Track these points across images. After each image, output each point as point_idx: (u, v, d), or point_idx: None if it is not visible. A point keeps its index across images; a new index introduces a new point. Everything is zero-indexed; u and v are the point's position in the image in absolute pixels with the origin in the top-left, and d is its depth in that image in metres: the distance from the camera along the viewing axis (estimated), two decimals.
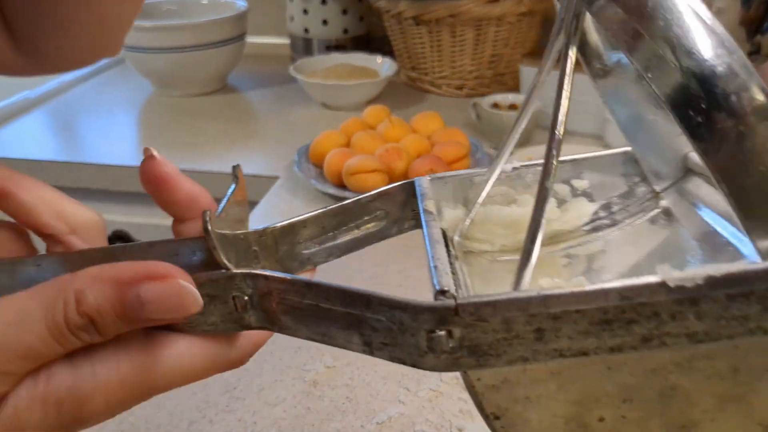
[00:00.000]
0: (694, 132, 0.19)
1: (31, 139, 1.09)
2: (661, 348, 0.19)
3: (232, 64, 1.26)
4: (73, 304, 0.21)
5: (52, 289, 0.21)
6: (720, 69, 0.18)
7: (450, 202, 0.30)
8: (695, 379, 0.21)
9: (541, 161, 0.28)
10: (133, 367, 0.22)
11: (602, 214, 0.30)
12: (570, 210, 0.30)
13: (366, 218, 0.29)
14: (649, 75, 0.19)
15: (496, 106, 0.99)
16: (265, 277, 0.22)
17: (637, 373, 0.21)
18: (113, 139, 1.08)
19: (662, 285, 0.19)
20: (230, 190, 0.26)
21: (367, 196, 0.28)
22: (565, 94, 0.22)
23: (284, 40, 1.42)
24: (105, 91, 1.29)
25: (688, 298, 0.19)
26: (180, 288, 0.21)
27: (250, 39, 1.27)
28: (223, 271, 0.23)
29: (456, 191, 0.30)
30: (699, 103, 0.19)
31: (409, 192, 0.28)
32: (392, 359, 0.21)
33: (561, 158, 0.27)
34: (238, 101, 1.23)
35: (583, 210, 0.29)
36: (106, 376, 0.22)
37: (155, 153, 0.25)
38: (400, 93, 1.21)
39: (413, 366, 0.20)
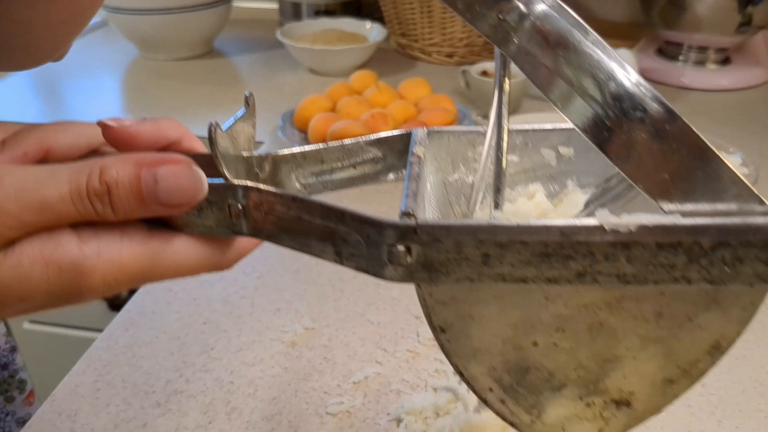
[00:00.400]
0: (604, 148, 0.23)
1: (14, 101, 1.08)
2: (593, 285, 0.22)
3: (219, 28, 1.23)
4: (97, 173, 0.23)
5: (83, 162, 0.24)
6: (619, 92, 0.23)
7: (444, 157, 0.32)
8: (622, 318, 0.23)
9: (533, 126, 0.30)
10: (135, 255, 0.24)
11: (594, 201, 0.31)
12: (563, 201, 0.31)
13: (364, 158, 0.31)
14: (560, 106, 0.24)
15: (485, 74, 0.98)
16: (259, 190, 0.25)
17: (571, 306, 0.23)
18: (97, 102, 1.06)
19: (599, 228, 0.21)
20: (239, 113, 0.28)
21: (366, 139, 0.30)
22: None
23: (273, 5, 1.40)
24: (88, 54, 1.27)
25: (621, 242, 0.21)
26: (192, 171, 0.24)
27: (239, 3, 1.25)
28: (223, 180, 0.25)
29: (451, 146, 0.31)
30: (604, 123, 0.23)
31: (407, 142, 0.30)
32: (358, 269, 0.24)
33: (550, 125, 0.31)
34: (224, 66, 1.22)
35: (576, 200, 0.30)
36: (108, 257, 0.24)
37: (107, 121, 0.26)
38: (390, 60, 1.19)
39: (375, 275, 0.23)
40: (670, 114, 0.22)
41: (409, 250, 0.22)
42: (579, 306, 0.23)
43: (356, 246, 0.23)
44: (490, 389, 0.26)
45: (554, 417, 0.26)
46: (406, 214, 0.23)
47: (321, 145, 0.30)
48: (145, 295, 0.59)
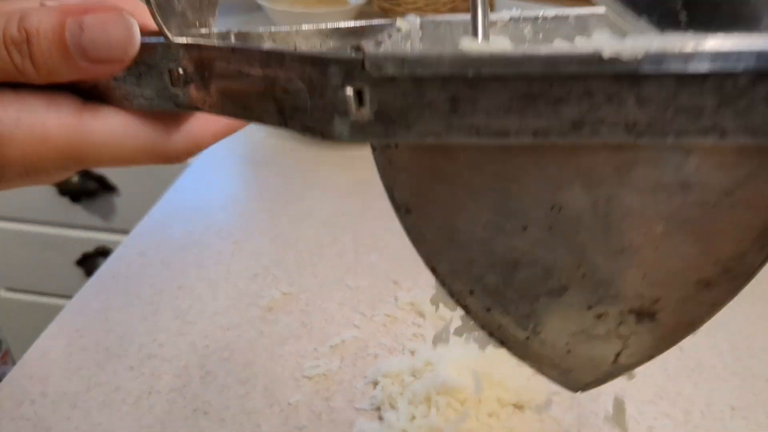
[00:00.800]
0: None
1: None
2: (595, 139, 0.16)
3: None
4: (16, 19, 0.20)
5: (2, 12, 0.21)
6: None
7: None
8: (637, 190, 0.18)
9: (544, 12, 0.24)
10: (61, 126, 0.21)
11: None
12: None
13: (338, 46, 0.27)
14: None
15: None
16: (199, 46, 0.22)
17: (568, 176, 0.18)
18: None
19: (594, 55, 0.15)
20: None
21: (348, 25, 0.26)
22: None
23: None
24: None
25: (627, 76, 0.15)
26: (122, 19, 0.21)
27: None
28: (162, 39, 0.22)
29: (446, 38, 0.26)
30: None
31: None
32: (304, 129, 0.19)
33: (566, 10, 0.24)
34: None
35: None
36: (29, 126, 0.21)
37: None
38: None
39: (323, 136, 0.19)
40: None
41: (360, 96, 0.18)
42: (579, 175, 0.18)
43: (299, 96, 0.19)
44: (471, 292, 0.20)
45: (556, 333, 0.20)
46: (355, 47, 0.18)
47: (294, 28, 0.26)
48: (118, 260, 0.58)
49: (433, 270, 0.21)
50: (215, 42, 0.22)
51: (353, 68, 0.17)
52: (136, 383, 0.45)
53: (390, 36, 0.21)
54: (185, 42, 0.22)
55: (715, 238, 0.18)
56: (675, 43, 0.15)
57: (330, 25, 0.26)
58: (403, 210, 0.20)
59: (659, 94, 0.15)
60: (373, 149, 0.19)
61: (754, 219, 0.17)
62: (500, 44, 0.17)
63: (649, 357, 0.21)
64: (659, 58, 0.15)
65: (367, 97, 0.18)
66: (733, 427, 0.42)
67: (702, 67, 0.15)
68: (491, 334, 0.21)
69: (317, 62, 0.18)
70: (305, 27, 0.26)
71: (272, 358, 0.47)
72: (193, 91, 0.23)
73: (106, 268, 0.57)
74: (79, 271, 1.03)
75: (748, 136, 0.15)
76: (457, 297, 0.21)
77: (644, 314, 0.20)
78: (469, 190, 0.19)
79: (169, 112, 0.24)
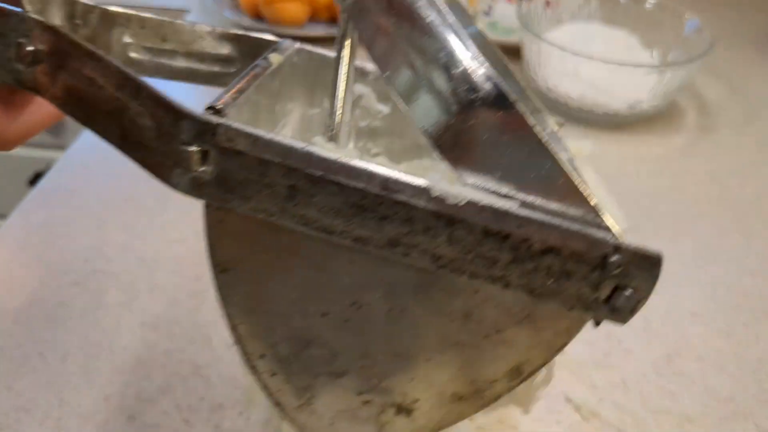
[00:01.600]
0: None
1: None
2: (405, 259, 0.18)
3: None
4: None
5: None
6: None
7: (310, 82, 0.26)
8: (427, 309, 0.20)
9: None
10: None
11: None
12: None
13: (214, 53, 0.26)
14: None
15: None
16: (56, 32, 0.20)
17: (374, 281, 0.20)
18: None
19: (425, 191, 0.18)
20: None
21: (225, 32, 0.26)
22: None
23: None
24: None
25: (445, 216, 0.18)
26: None
27: None
28: (19, 9, 0.21)
29: (319, 72, 0.27)
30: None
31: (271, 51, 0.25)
32: (141, 163, 0.19)
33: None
34: None
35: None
36: None
37: None
38: None
39: (161, 179, 0.19)
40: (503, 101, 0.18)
41: (205, 155, 0.18)
42: (384, 284, 0.20)
43: (145, 134, 0.19)
44: (262, 356, 0.22)
45: (326, 407, 0.23)
46: (212, 108, 0.19)
47: (167, 19, 0.25)
48: (61, 172, 0.54)
49: (233, 328, 0.22)
50: (74, 37, 0.20)
51: (205, 131, 0.18)
52: (82, 299, 0.43)
53: (257, 76, 0.22)
54: (43, 22, 0.20)
55: (477, 363, 0.21)
56: (493, 200, 0.18)
57: (210, 29, 0.26)
58: (219, 268, 0.21)
59: (468, 238, 0.18)
60: (206, 206, 0.20)
61: (513, 356, 0.21)
62: (348, 153, 0.18)
63: None
64: (478, 210, 0.18)
65: (212, 159, 0.18)
66: (692, 333, 0.42)
67: (509, 227, 0.18)
68: (268, 392, 0.23)
69: (172, 111, 0.18)
70: (180, 22, 0.25)
71: None
72: (40, 75, 0.21)
73: (48, 180, 0.53)
74: (21, 183, 0.99)
75: (526, 293, 0.19)
76: (248, 356, 0.22)
77: (403, 409, 0.22)
78: (285, 267, 0.20)
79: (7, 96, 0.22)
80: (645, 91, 0.59)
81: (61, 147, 0.96)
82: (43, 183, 0.53)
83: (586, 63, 0.57)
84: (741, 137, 0.63)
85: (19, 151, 0.89)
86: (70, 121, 0.86)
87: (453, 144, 0.18)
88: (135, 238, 0.48)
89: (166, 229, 0.49)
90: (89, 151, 0.57)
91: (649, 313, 0.43)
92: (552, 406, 0.36)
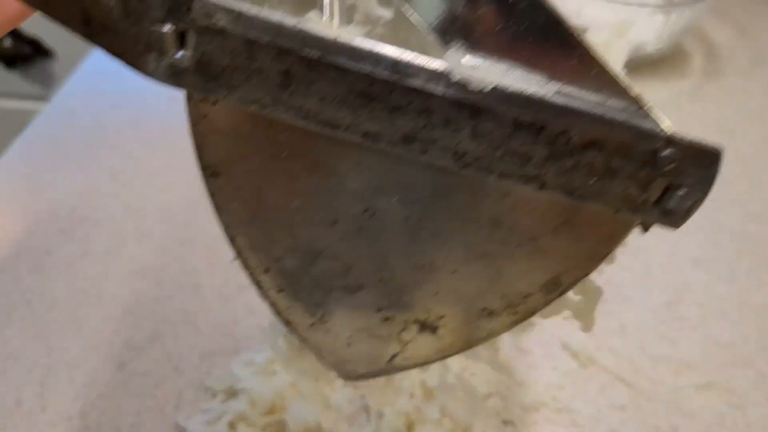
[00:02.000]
0: None
1: None
2: (422, 158, 0.16)
3: None
4: None
5: None
6: None
7: None
8: (450, 215, 0.18)
9: None
10: None
11: None
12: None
13: None
14: None
15: None
16: None
17: (389, 184, 0.18)
18: None
19: (442, 75, 0.15)
20: None
21: None
22: None
23: None
24: None
25: (468, 105, 0.15)
26: None
27: None
28: None
29: None
30: None
31: None
32: (112, 51, 0.16)
33: None
34: None
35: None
36: None
37: None
38: None
39: (134, 67, 0.16)
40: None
41: (182, 38, 0.15)
42: (400, 186, 0.18)
43: (110, 15, 0.16)
44: (267, 270, 0.20)
45: (341, 326, 0.21)
46: None
47: None
48: (46, 119, 0.53)
49: (232, 240, 0.20)
50: None
51: (179, 6, 0.15)
52: (69, 247, 0.42)
53: None
54: None
55: (509, 275, 0.19)
56: (526, 85, 0.15)
57: None
58: (209, 171, 0.18)
59: (495, 132, 0.16)
60: (188, 98, 0.17)
61: (548, 267, 0.19)
62: (350, 32, 0.16)
63: (421, 364, 0.22)
64: (506, 98, 0.15)
65: (190, 42, 0.15)
66: (693, 279, 0.41)
67: (544, 117, 0.15)
68: (277, 311, 0.21)
69: None
70: None
71: (213, 219, 0.44)
72: None
73: (33, 128, 0.52)
74: None
75: (564, 194, 0.16)
76: (251, 270, 0.20)
77: (427, 326, 0.21)
78: (286, 170, 0.18)
79: None
80: (650, 32, 0.56)
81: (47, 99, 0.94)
82: (27, 131, 0.51)
83: (590, 3, 0.55)
84: (748, 83, 0.61)
85: (5, 102, 0.87)
86: (60, 75, 0.83)
87: (465, 38, 0.16)
88: (122, 186, 0.46)
89: (153, 176, 0.48)
90: (74, 99, 0.55)
91: (650, 260, 0.42)
92: (548, 352, 0.35)
